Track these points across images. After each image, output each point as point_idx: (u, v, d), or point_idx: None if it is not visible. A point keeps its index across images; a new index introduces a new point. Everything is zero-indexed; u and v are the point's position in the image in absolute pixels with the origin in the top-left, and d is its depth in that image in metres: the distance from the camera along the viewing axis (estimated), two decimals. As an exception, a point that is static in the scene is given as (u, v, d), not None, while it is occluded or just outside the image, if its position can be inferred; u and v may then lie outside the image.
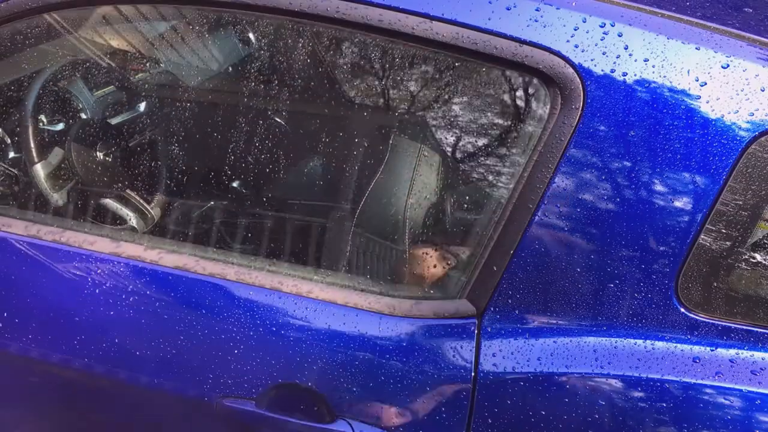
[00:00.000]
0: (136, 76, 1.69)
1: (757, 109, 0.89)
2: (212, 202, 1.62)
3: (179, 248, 1.20)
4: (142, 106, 1.71)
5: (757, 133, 0.89)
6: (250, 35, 1.59)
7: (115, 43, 1.59)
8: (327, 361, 1.06)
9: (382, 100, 1.44)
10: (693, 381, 0.93)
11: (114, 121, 1.65)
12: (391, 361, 1.04)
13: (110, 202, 1.58)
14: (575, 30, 0.95)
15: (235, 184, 1.64)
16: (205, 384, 1.13)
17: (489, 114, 1.21)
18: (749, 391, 0.92)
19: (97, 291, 1.16)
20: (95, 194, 1.57)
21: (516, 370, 0.98)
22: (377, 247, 1.29)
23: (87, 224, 1.38)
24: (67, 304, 1.18)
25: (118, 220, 1.59)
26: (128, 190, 1.61)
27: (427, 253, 1.21)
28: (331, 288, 1.11)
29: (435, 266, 1.20)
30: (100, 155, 1.55)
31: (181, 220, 1.60)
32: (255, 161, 1.41)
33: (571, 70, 0.94)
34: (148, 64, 1.72)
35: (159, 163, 1.66)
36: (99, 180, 1.54)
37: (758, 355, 0.93)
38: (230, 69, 1.73)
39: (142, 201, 1.62)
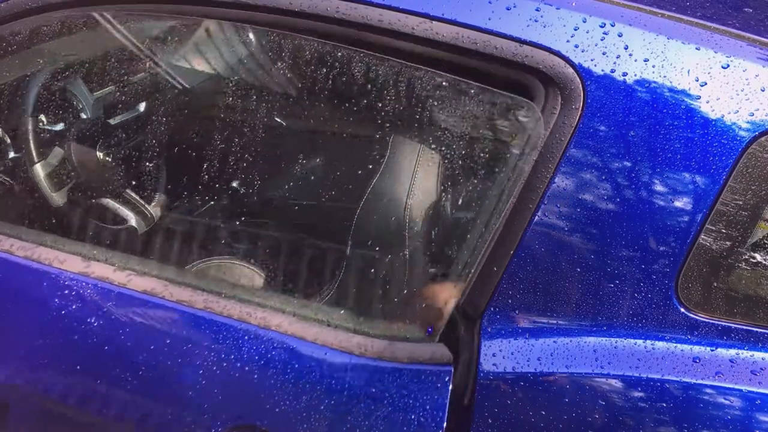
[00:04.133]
0: (136, 76, 1.69)
1: (757, 109, 0.89)
2: (211, 205, 1.62)
3: (149, 271, 1.14)
4: (142, 107, 1.71)
5: (757, 133, 0.89)
6: (250, 36, 1.59)
7: (116, 43, 1.59)
8: (290, 404, 1.00)
9: (380, 103, 1.44)
10: (693, 381, 0.93)
11: (114, 121, 1.65)
12: (361, 405, 0.98)
13: (110, 202, 1.58)
14: (575, 30, 0.95)
15: (233, 185, 1.64)
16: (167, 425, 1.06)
17: (489, 114, 1.21)
18: (749, 391, 0.91)
19: (63, 312, 1.10)
20: (95, 194, 1.56)
21: (516, 370, 0.98)
22: (361, 276, 1.24)
23: (59, 240, 1.27)
24: (31, 325, 1.13)
25: (117, 220, 1.59)
26: (128, 190, 1.61)
27: (424, 287, 1.16)
28: (302, 322, 1.04)
29: (426, 304, 1.14)
30: (100, 155, 1.55)
31: (180, 221, 1.60)
32: (244, 175, 1.38)
33: (571, 70, 0.94)
34: (148, 65, 1.72)
35: (159, 163, 1.66)
36: (99, 180, 1.54)
37: (758, 355, 0.93)
38: (230, 70, 1.73)
39: (142, 201, 1.63)
